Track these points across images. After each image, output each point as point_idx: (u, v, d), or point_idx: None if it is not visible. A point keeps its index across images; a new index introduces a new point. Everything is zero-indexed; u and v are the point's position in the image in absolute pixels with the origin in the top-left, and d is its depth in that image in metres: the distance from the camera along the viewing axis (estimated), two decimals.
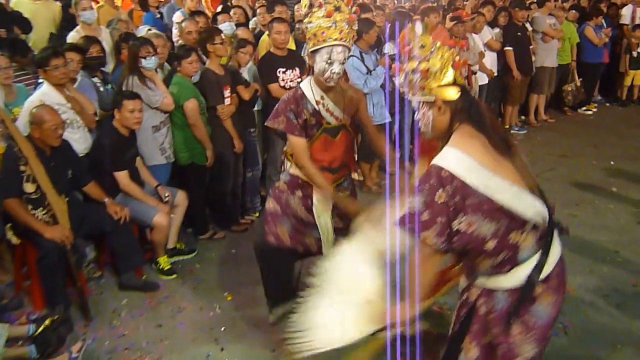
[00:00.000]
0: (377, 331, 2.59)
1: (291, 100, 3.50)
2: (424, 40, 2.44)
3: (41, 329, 3.76)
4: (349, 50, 3.43)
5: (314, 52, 3.35)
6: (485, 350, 2.47)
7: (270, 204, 3.67)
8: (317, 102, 3.46)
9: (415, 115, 2.53)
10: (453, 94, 2.39)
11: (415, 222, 2.29)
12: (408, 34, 2.53)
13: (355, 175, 6.63)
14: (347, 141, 3.69)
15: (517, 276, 2.37)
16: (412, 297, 2.41)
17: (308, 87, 3.49)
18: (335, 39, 3.28)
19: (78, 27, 6.00)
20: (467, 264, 2.57)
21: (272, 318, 3.73)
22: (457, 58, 2.43)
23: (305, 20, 3.43)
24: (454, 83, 2.41)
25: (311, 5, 3.44)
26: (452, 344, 2.62)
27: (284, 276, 3.73)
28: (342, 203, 3.59)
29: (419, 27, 2.52)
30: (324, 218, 3.61)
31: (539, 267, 2.37)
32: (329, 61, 3.30)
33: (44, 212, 4.08)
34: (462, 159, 2.28)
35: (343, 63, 3.36)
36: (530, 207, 2.32)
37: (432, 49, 2.41)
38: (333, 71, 3.32)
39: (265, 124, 3.60)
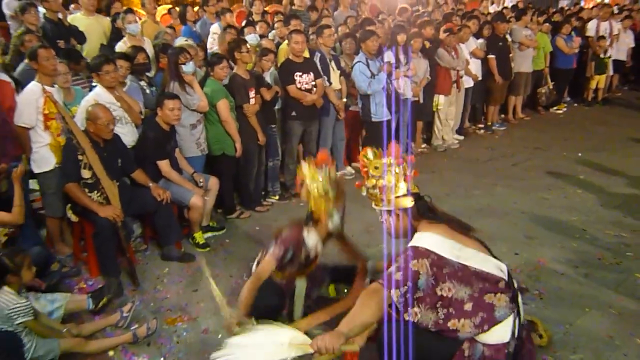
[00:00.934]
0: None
1: (294, 244, 3.25)
2: (376, 163, 2.59)
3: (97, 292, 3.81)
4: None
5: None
6: None
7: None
8: (315, 256, 3.34)
9: (380, 219, 2.65)
10: (408, 202, 2.53)
11: (388, 279, 2.35)
12: (361, 159, 2.67)
13: (349, 169, 6.62)
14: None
15: (496, 334, 2.40)
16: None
17: (311, 240, 3.28)
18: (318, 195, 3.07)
19: (124, 39, 6.00)
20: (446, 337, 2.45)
21: None
22: (408, 172, 2.57)
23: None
24: (408, 193, 2.54)
25: None
26: None
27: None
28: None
29: (370, 154, 2.64)
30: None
31: (514, 326, 2.43)
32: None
33: (98, 194, 4.09)
34: (433, 238, 2.40)
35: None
36: (496, 268, 2.42)
37: (384, 169, 2.55)
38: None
39: (267, 248, 3.33)
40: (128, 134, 4.63)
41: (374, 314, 2.35)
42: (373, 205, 2.64)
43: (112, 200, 4.09)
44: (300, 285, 3.47)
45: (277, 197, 5.82)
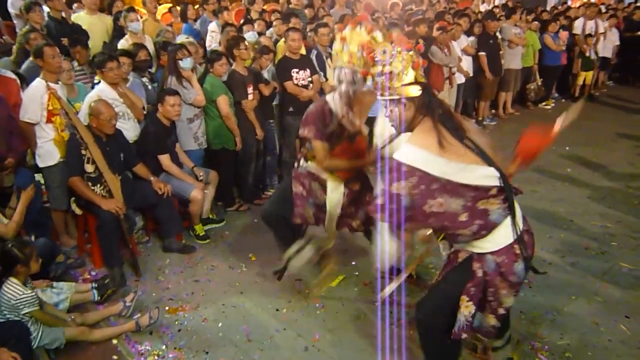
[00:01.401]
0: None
1: (320, 114, 3.30)
2: (384, 47, 2.38)
3: (102, 283, 3.81)
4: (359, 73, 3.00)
5: (334, 70, 3.13)
6: (479, 305, 2.47)
7: (298, 188, 3.56)
8: (342, 117, 3.25)
9: (385, 113, 2.46)
10: (415, 91, 2.34)
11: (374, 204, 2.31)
12: (368, 43, 2.49)
13: None
14: (362, 143, 3.51)
15: (496, 238, 2.35)
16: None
17: (334, 103, 3.25)
18: (345, 62, 2.97)
19: (126, 36, 5.96)
20: (448, 237, 2.54)
21: (284, 257, 3.69)
22: (416, 59, 2.38)
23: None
24: (415, 82, 2.35)
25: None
26: (434, 290, 2.63)
27: (289, 232, 3.74)
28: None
29: (379, 36, 2.47)
30: (332, 205, 3.52)
31: (513, 226, 2.35)
32: (339, 80, 3.09)
33: (101, 187, 4.07)
34: (419, 154, 2.23)
35: (353, 83, 3.04)
36: (483, 176, 2.28)
37: (393, 53, 2.34)
38: (342, 90, 3.09)
39: (300, 134, 3.41)
40: (130, 130, 4.61)
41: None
42: (378, 96, 2.43)
43: (114, 193, 4.07)
44: (338, 192, 3.50)
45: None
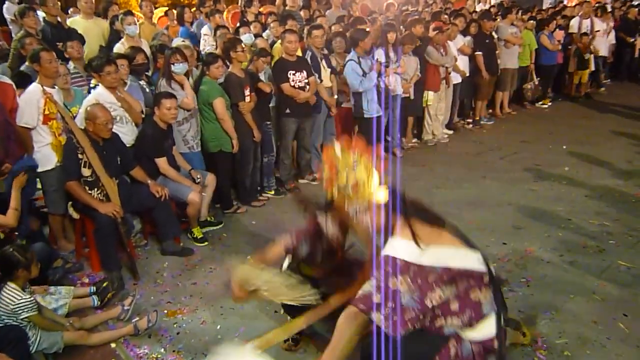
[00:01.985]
0: None
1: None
2: (345, 159, 2.26)
3: (101, 287, 3.80)
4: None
5: None
6: None
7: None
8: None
9: (355, 220, 2.32)
10: (383, 196, 2.24)
11: (368, 303, 2.10)
12: (329, 158, 2.31)
13: None
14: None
15: (484, 330, 2.23)
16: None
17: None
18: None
19: (123, 40, 5.97)
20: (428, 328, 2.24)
21: None
22: (376, 164, 2.26)
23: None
24: (381, 185, 2.25)
25: None
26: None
27: None
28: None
29: (337, 149, 2.31)
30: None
31: (499, 320, 2.25)
32: None
33: (98, 191, 4.07)
34: (410, 246, 2.12)
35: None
36: (477, 261, 2.22)
37: (354, 163, 2.23)
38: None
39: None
40: (128, 133, 4.61)
41: (353, 343, 2.22)
42: (346, 207, 2.30)
43: (111, 197, 4.07)
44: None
45: (272, 192, 5.80)
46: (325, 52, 6.31)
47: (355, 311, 2.15)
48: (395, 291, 2.06)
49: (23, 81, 4.38)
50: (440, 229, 2.26)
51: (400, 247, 2.14)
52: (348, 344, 2.23)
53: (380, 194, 2.24)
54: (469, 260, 2.20)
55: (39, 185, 4.48)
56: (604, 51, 10.42)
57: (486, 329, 2.23)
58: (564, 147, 7.24)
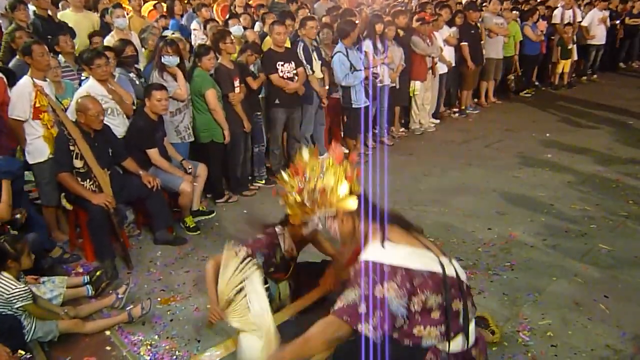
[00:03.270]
0: None
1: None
2: (312, 164, 2.21)
3: (95, 277, 3.79)
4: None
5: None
6: None
7: None
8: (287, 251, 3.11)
9: (320, 227, 2.23)
10: (352, 204, 2.15)
11: (354, 314, 1.96)
12: (298, 162, 2.26)
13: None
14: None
15: (458, 342, 2.09)
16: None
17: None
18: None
19: (112, 32, 5.91)
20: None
21: None
22: (349, 171, 2.18)
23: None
24: (351, 193, 2.16)
25: None
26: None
27: None
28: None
29: (305, 154, 2.27)
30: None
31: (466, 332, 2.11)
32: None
33: (90, 182, 4.05)
34: (395, 248, 2.02)
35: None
36: (457, 269, 2.12)
37: (322, 169, 2.17)
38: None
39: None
40: (120, 125, 4.57)
41: (324, 354, 2.18)
42: (313, 215, 2.20)
43: (104, 188, 4.05)
44: (283, 287, 3.20)
45: (263, 182, 5.79)
46: (315, 44, 6.27)
47: (339, 322, 2.00)
48: (382, 299, 1.92)
49: (8, 78, 4.32)
50: (418, 234, 2.18)
51: (382, 252, 2.02)
52: (318, 351, 2.16)
53: (349, 202, 2.15)
54: (452, 267, 2.11)
55: (31, 178, 4.46)
56: (601, 39, 10.41)
57: (458, 343, 2.10)
58: (547, 135, 7.27)
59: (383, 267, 1.95)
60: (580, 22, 10.17)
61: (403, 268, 1.96)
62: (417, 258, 2.02)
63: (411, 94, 7.33)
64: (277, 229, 3.11)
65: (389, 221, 2.13)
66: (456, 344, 2.08)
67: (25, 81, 4.13)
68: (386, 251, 2.01)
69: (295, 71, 5.62)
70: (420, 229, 2.29)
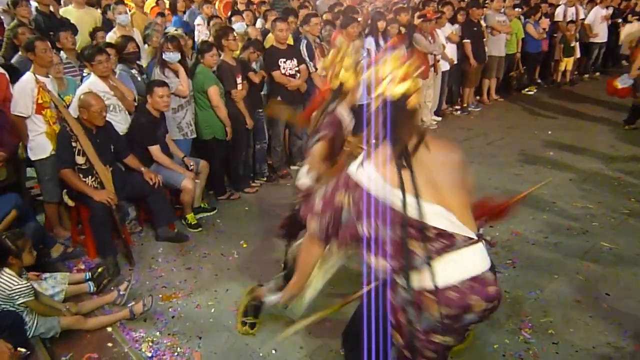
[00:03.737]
0: None
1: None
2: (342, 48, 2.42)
3: (97, 273, 3.78)
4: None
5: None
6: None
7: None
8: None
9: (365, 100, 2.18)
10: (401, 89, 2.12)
11: (310, 208, 2.13)
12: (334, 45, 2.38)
13: None
14: None
15: (413, 280, 1.96)
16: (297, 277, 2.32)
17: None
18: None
19: (114, 29, 5.90)
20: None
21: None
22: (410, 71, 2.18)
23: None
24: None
25: None
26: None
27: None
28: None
29: (339, 40, 2.40)
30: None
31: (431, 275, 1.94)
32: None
33: (92, 179, 4.04)
34: (371, 172, 1.97)
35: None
36: (430, 213, 1.95)
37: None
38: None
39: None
40: (122, 122, 4.55)
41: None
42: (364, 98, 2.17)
43: (106, 184, 4.04)
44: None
45: (265, 179, 5.78)
46: (318, 40, 6.25)
47: (310, 234, 2.15)
48: (338, 204, 2.04)
49: (11, 74, 4.31)
50: (422, 173, 2.02)
51: (366, 170, 2.00)
52: (312, 254, 2.24)
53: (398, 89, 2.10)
54: (414, 211, 1.95)
55: (34, 174, 4.45)
56: (603, 37, 10.37)
57: (412, 281, 1.96)
58: (549, 132, 7.25)
59: (350, 179, 2.03)
60: (583, 19, 10.13)
61: (367, 190, 1.97)
62: (382, 190, 1.95)
63: None
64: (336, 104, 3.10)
65: (400, 144, 2.01)
66: (417, 281, 1.95)
67: (27, 77, 4.12)
68: (367, 172, 1.99)
69: (297, 68, 5.61)
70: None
